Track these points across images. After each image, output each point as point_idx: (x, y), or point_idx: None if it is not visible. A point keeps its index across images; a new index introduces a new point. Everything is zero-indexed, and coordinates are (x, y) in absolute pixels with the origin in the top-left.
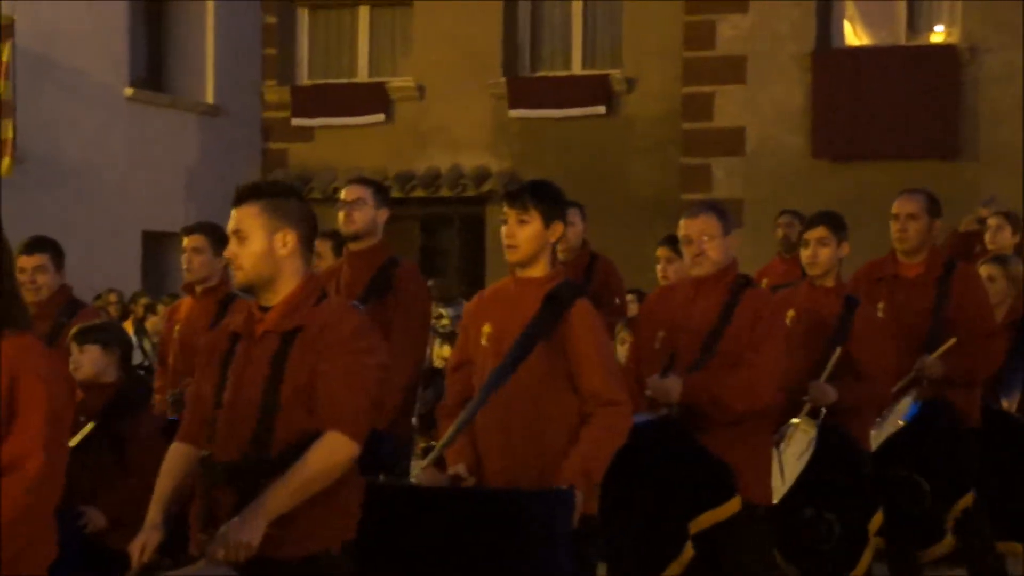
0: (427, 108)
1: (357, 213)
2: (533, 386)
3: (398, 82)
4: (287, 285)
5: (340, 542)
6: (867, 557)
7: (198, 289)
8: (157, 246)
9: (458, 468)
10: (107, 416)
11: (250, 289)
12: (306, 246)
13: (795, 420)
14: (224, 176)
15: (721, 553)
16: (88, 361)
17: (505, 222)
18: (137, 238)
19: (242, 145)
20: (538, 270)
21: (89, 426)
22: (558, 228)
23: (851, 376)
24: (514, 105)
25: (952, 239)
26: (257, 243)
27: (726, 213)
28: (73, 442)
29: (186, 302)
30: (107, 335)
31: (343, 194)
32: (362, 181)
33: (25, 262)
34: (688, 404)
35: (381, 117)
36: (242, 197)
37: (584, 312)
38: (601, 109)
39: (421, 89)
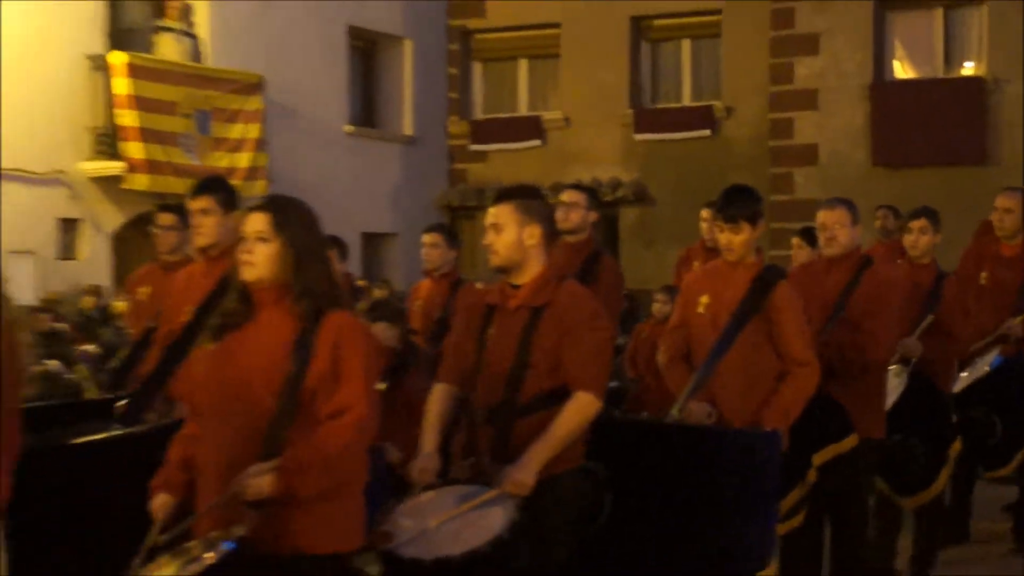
0: (572, 134)
1: (573, 213)
2: (745, 349)
3: (550, 115)
4: (533, 268)
5: (572, 465)
6: (944, 476)
7: (435, 275)
8: (372, 243)
9: (704, 406)
10: (394, 374)
11: (503, 270)
12: (548, 238)
13: (891, 367)
14: (419, 190)
15: (837, 477)
16: (377, 333)
17: (722, 231)
18: (357, 238)
19: (432, 166)
20: (748, 259)
21: (382, 386)
22: (762, 227)
23: (941, 334)
24: (639, 130)
25: (982, 227)
26: (510, 234)
27: (855, 207)
28: None
29: (425, 284)
30: (390, 311)
31: (563, 197)
32: (579, 188)
33: None
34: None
35: (538, 142)
36: (500, 197)
37: (785, 291)
38: (706, 132)
39: (567, 120)
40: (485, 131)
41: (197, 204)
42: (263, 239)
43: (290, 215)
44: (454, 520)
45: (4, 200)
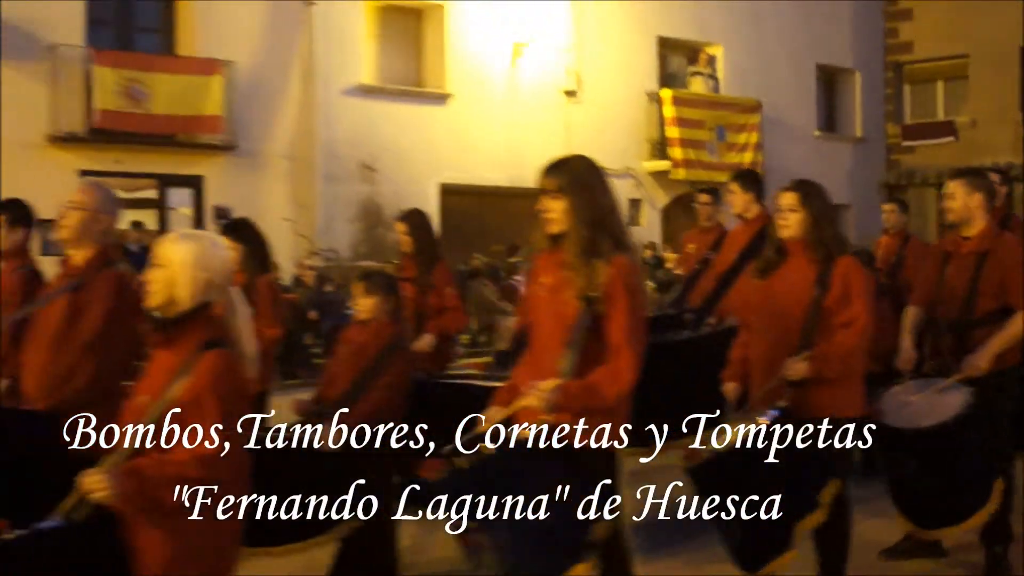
0: (977, 132)
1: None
2: None
3: (960, 119)
4: (979, 224)
5: (1015, 363)
6: None
7: (891, 232)
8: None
9: None
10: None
11: (954, 226)
12: (988, 202)
13: None
14: (866, 174)
15: None
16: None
17: None
18: None
19: (875, 157)
20: None
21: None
22: None
23: None
24: None
25: None
26: (959, 201)
27: None
28: None
29: (884, 239)
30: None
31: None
32: (960, 172)
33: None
34: None
35: (951, 139)
36: (954, 175)
37: None
38: None
39: (974, 122)
40: (912, 132)
41: (729, 186)
42: (793, 210)
43: (811, 193)
44: (923, 401)
45: None
